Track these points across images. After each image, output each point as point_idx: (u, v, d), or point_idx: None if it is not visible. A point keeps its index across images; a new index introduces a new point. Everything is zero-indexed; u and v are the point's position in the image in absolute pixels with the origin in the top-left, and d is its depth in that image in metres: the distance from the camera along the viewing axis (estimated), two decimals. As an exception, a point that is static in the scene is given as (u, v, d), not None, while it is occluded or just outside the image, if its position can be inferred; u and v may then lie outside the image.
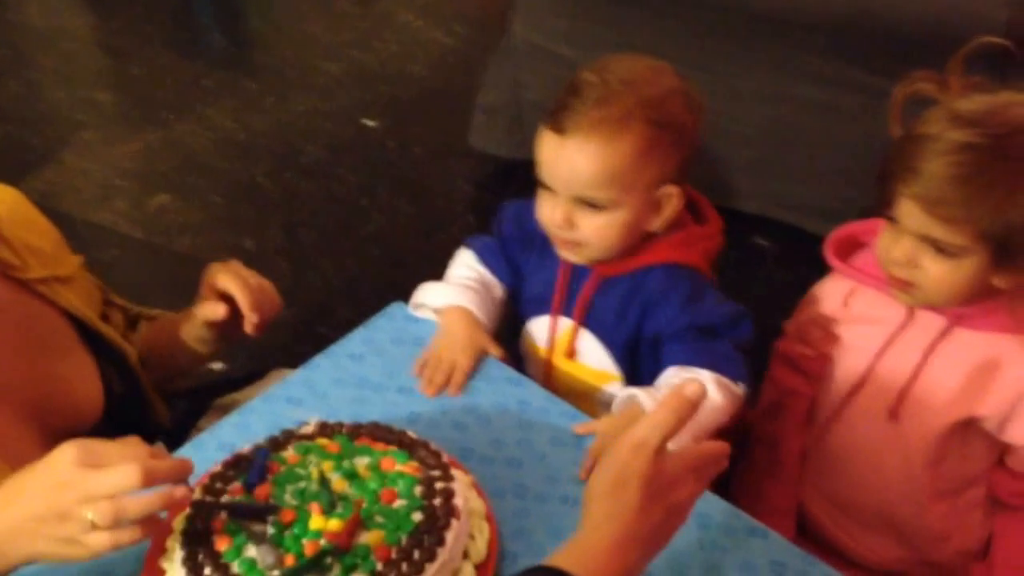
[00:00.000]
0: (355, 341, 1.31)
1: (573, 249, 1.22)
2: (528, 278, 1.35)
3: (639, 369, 1.30)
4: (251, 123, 3.06)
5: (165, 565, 0.97)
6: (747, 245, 2.49)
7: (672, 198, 1.20)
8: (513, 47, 2.61)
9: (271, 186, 2.83)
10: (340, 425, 1.06)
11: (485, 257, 1.36)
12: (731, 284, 1.31)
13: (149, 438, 1.13)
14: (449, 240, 2.66)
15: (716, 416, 1.16)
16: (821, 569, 1.02)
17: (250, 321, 1.24)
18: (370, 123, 3.07)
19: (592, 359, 1.30)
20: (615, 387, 1.30)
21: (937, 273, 1.12)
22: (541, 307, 1.33)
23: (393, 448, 1.03)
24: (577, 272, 1.28)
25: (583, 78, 1.15)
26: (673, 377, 1.19)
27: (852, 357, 1.28)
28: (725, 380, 1.19)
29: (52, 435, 1.14)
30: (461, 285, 1.33)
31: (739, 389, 1.20)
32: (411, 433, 1.06)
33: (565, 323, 1.31)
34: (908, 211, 1.10)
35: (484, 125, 2.74)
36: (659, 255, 1.23)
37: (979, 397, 1.18)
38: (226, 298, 1.26)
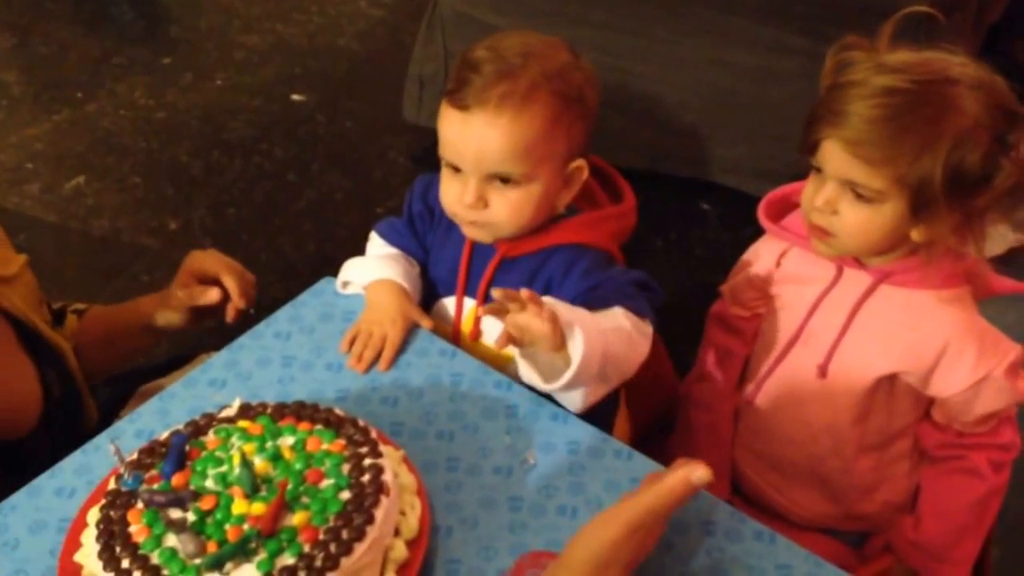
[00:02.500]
0: (281, 319, 1.27)
1: (482, 228, 1.19)
2: (433, 257, 1.32)
3: None
4: (169, 100, 2.97)
5: (81, 560, 0.93)
6: (689, 210, 2.48)
7: (581, 171, 1.19)
8: (440, 16, 2.56)
9: (194, 164, 2.74)
10: (263, 406, 1.02)
11: (391, 238, 1.33)
12: (674, 248, 1.30)
13: (81, 439, 1.10)
14: (386, 214, 2.62)
15: (624, 341, 1.11)
16: (751, 526, 1.01)
17: (236, 307, 1.34)
18: (298, 98, 2.99)
19: (495, 339, 1.27)
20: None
21: (855, 219, 1.13)
22: (446, 288, 1.30)
23: (319, 427, 1.00)
24: (481, 252, 1.25)
25: (478, 55, 1.13)
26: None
27: (784, 316, 1.28)
28: (630, 313, 1.14)
29: None
30: (386, 257, 1.30)
31: (646, 326, 1.16)
32: (338, 410, 1.03)
33: (470, 304, 1.28)
34: (831, 154, 1.12)
35: (417, 97, 2.69)
36: (565, 235, 1.21)
37: (902, 353, 1.19)
38: (209, 284, 1.35)
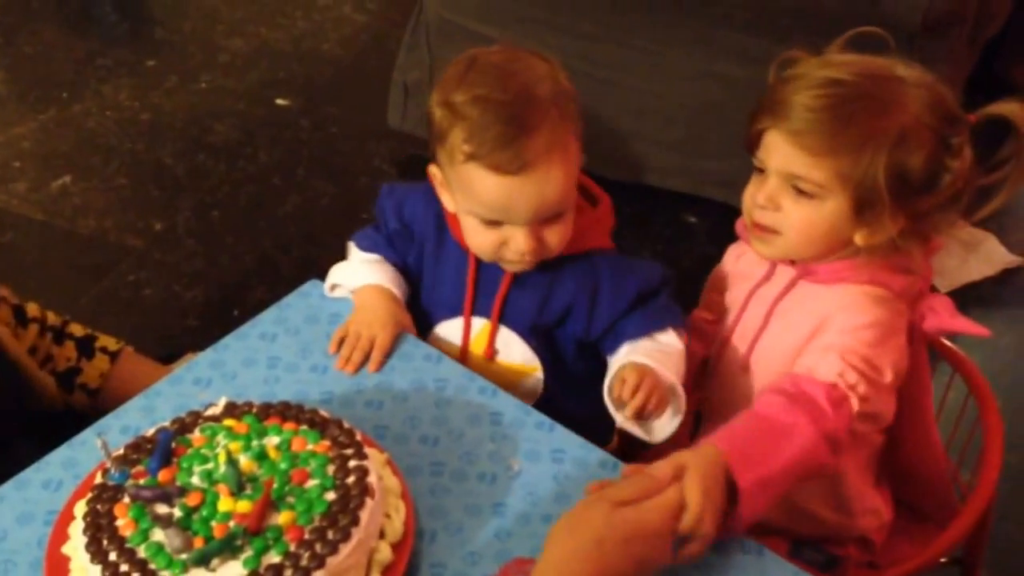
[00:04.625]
0: (267, 321, 1.28)
1: (532, 263, 1.19)
2: (427, 278, 1.31)
3: (560, 354, 1.28)
4: (153, 102, 2.96)
5: (69, 552, 0.94)
6: (677, 222, 2.50)
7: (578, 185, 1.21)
8: (425, 23, 2.57)
9: (179, 166, 2.74)
10: (249, 405, 1.03)
11: (372, 250, 1.32)
12: (661, 260, 1.31)
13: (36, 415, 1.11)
14: (370, 219, 2.62)
15: (683, 364, 1.20)
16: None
17: None
18: (282, 102, 3.00)
19: (514, 355, 1.28)
20: (538, 376, 1.29)
21: (798, 216, 1.13)
22: (449, 309, 1.28)
23: (304, 427, 1.00)
24: (488, 270, 1.24)
25: (476, 112, 1.10)
26: (638, 347, 1.20)
27: (727, 315, 1.29)
28: (680, 329, 1.22)
29: None
30: (375, 263, 1.30)
31: (686, 335, 1.23)
32: (323, 412, 1.03)
33: (480, 323, 1.27)
34: (773, 146, 1.12)
35: (402, 104, 2.70)
36: (571, 244, 1.21)
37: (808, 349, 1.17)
38: None
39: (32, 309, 1.41)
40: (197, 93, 3.00)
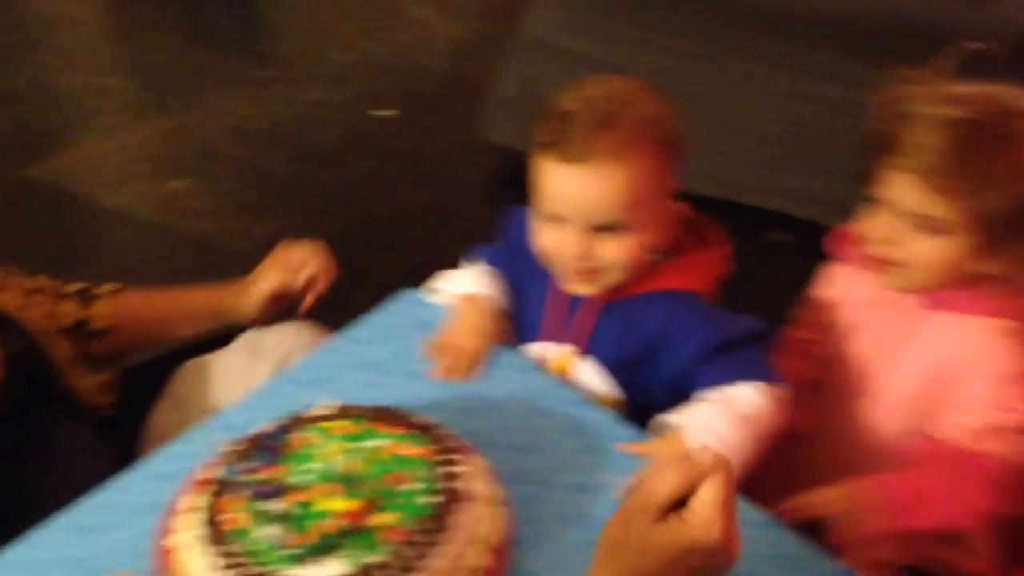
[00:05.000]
0: (365, 326, 1.31)
1: (590, 278, 1.18)
2: (523, 298, 1.31)
3: (644, 390, 1.26)
4: (264, 112, 3.07)
5: (177, 544, 0.98)
6: (763, 240, 2.49)
7: (674, 215, 1.20)
8: (525, 40, 2.61)
9: (285, 173, 2.83)
10: (354, 408, 1.06)
11: (491, 263, 1.34)
12: (748, 279, 1.30)
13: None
14: (463, 228, 2.66)
15: (769, 422, 1.14)
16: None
17: (317, 296, 1.44)
18: (383, 113, 3.07)
19: (595, 385, 1.26)
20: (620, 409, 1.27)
21: (924, 251, 1.11)
22: (537, 332, 1.29)
23: (407, 431, 1.03)
24: (577, 299, 1.24)
25: (572, 106, 1.12)
26: (709, 396, 1.16)
27: (835, 337, 1.27)
28: (765, 385, 1.16)
29: None
30: (483, 273, 1.32)
31: (780, 391, 1.17)
32: (425, 417, 1.06)
33: (559, 350, 1.27)
34: (897, 185, 1.10)
35: (499, 118, 2.74)
36: (663, 282, 1.20)
37: (938, 373, 1.16)
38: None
39: (30, 281, 1.43)
40: (303, 103, 3.10)
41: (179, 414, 1.36)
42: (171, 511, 1.01)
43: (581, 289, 1.20)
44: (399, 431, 1.03)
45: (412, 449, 1.01)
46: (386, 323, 1.31)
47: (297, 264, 1.44)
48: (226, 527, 0.92)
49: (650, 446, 1.13)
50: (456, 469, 0.99)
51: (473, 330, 1.26)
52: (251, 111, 3.08)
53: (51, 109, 3.06)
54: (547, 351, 1.28)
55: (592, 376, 1.26)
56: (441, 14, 3.55)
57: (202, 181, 2.79)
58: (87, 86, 3.20)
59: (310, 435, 1.03)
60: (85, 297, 1.44)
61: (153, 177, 2.81)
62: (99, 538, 1.04)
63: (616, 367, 1.25)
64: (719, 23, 2.39)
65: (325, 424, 1.04)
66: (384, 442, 1.02)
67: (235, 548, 0.91)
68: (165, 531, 1.00)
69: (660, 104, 1.16)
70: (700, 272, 1.23)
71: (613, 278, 1.18)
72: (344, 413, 1.05)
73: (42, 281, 1.43)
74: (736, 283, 1.27)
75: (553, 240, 1.17)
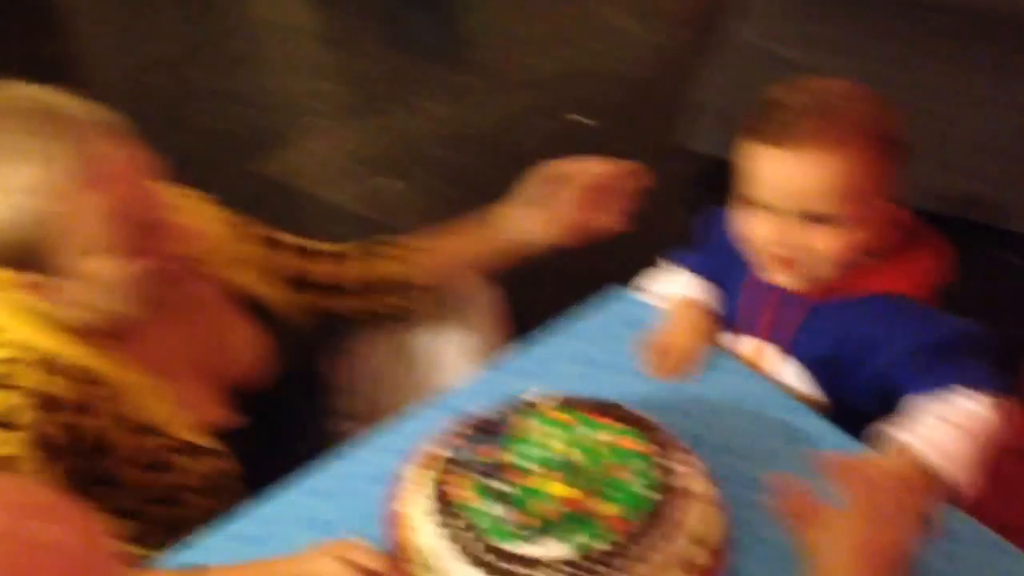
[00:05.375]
0: (583, 322, 1.33)
1: (790, 269, 1.16)
2: (729, 296, 1.30)
3: (847, 392, 1.23)
4: (463, 115, 3.16)
5: (408, 512, 1.02)
6: (988, 257, 2.37)
7: (890, 217, 1.16)
8: (734, 47, 2.57)
9: (481, 174, 2.90)
10: (577, 399, 1.08)
11: (693, 266, 1.33)
12: (975, 296, 1.24)
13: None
14: (659, 232, 2.65)
15: (992, 433, 1.09)
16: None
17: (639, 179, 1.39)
18: (579, 119, 3.10)
19: (794, 386, 1.24)
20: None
21: None
22: (742, 329, 1.28)
23: (630, 427, 1.04)
24: (784, 297, 1.22)
25: (793, 96, 1.12)
26: (930, 407, 1.11)
27: None
28: (986, 395, 1.10)
29: (227, 390, 1.30)
30: (694, 274, 1.32)
31: (1004, 400, 1.12)
32: (647, 414, 1.06)
33: (766, 347, 1.26)
34: None
35: (696, 124, 2.72)
36: (875, 284, 1.17)
37: None
38: None
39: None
40: (502, 108, 3.17)
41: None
42: (400, 483, 1.06)
43: (781, 279, 1.18)
44: (618, 425, 1.04)
45: (631, 443, 1.02)
46: (599, 320, 1.33)
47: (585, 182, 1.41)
48: (458, 503, 0.95)
49: (871, 462, 1.09)
50: (675, 467, 0.99)
51: (689, 330, 1.25)
52: (451, 114, 3.17)
53: (270, 110, 3.25)
54: (748, 349, 1.27)
55: (793, 376, 1.24)
56: (640, 22, 3.55)
57: (406, 179, 2.90)
58: (301, 89, 3.38)
59: (531, 421, 1.05)
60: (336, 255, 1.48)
61: (361, 174, 2.94)
62: (334, 503, 1.11)
63: (819, 368, 1.23)
64: (946, 32, 2.29)
65: (546, 412, 1.06)
66: (603, 434, 1.03)
67: (461, 521, 0.94)
68: (395, 501, 1.04)
69: (881, 103, 1.14)
70: (915, 276, 1.19)
71: (818, 271, 1.15)
72: (566, 404, 1.07)
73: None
74: (963, 303, 1.22)
75: (757, 226, 1.15)
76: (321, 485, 1.13)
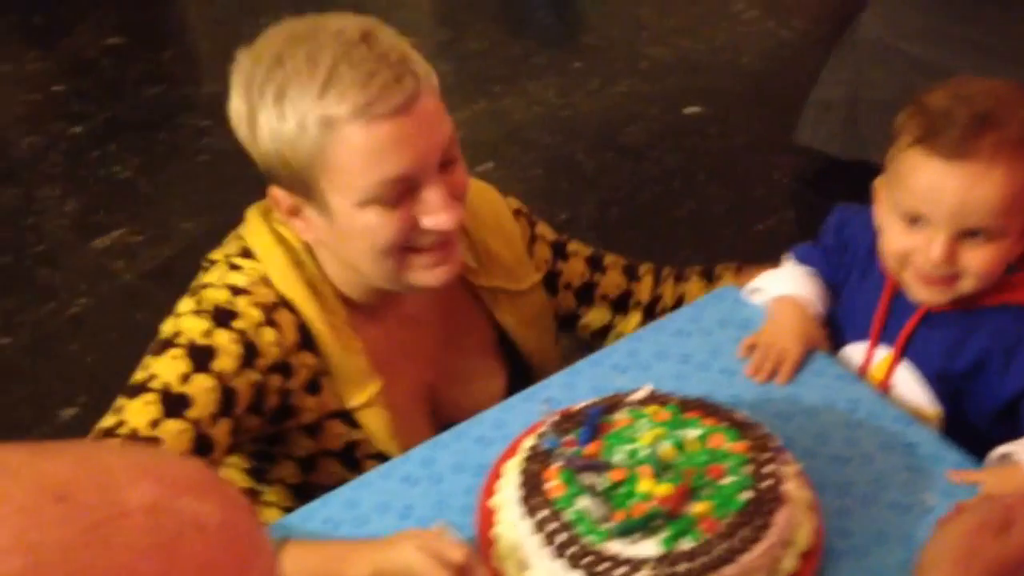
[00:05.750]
0: (681, 318, 1.32)
1: (945, 286, 1.11)
2: (845, 299, 1.28)
3: (966, 408, 1.19)
4: (575, 101, 3.15)
5: (498, 504, 1.03)
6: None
7: None
8: (858, 42, 2.51)
9: (589, 163, 2.90)
10: (671, 396, 1.07)
11: (809, 261, 1.30)
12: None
13: None
14: (764, 232, 2.64)
15: None
16: None
17: None
18: (693, 110, 3.06)
19: (908, 394, 1.21)
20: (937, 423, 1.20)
21: None
22: (857, 333, 1.25)
23: (724, 425, 1.03)
24: (902, 301, 1.18)
25: (948, 101, 1.07)
26: None
27: None
28: None
29: (438, 421, 1.25)
30: (803, 275, 1.29)
31: None
32: (741, 413, 1.06)
33: (881, 353, 1.22)
34: None
35: (815, 121, 2.66)
36: (1002, 295, 1.13)
37: None
38: None
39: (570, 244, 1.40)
40: (615, 96, 3.15)
41: None
42: (494, 474, 1.07)
43: (931, 297, 1.14)
44: (713, 423, 1.03)
45: (727, 443, 1.01)
46: (704, 317, 1.31)
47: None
48: (550, 494, 0.96)
49: (984, 476, 1.07)
50: (772, 469, 0.98)
51: (792, 332, 1.23)
52: (561, 100, 3.17)
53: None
54: (862, 354, 1.24)
55: (911, 385, 1.21)
56: (762, 11, 3.48)
57: (510, 165, 2.91)
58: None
59: (626, 417, 1.05)
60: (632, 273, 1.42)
61: (465, 159, 2.97)
62: (423, 490, 1.11)
63: (938, 379, 1.19)
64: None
65: (641, 408, 1.06)
66: (698, 432, 1.03)
67: (554, 516, 0.95)
68: (488, 492, 1.05)
69: None
70: None
71: (969, 287, 1.12)
72: (655, 399, 1.07)
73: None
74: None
75: (911, 242, 1.11)
76: (410, 471, 1.14)
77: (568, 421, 1.05)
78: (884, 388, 1.23)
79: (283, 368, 1.13)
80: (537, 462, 1.00)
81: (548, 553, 0.92)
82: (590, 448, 1.01)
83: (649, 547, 0.91)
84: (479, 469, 1.11)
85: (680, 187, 2.78)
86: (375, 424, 1.18)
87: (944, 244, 1.08)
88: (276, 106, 1.04)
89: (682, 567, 0.89)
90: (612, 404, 1.07)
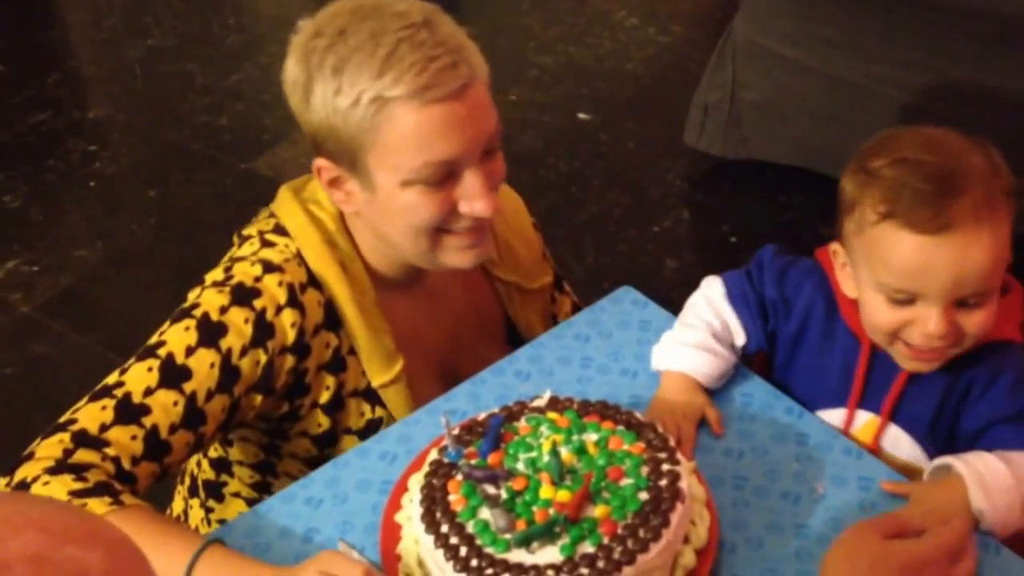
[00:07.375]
0: (580, 322, 1.34)
1: (940, 356, 1.08)
2: (804, 357, 1.21)
3: (946, 444, 1.16)
4: (470, 113, 3.16)
5: (401, 520, 1.04)
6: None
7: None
8: (734, 46, 2.58)
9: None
10: (570, 401, 1.09)
11: (737, 305, 1.22)
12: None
13: None
14: (661, 233, 2.69)
15: None
16: None
17: None
18: (584, 116, 3.11)
19: (903, 453, 1.17)
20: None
21: None
22: (831, 397, 1.19)
23: (621, 427, 1.05)
24: (882, 361, 1.14)
25: (897, 171, 1.02)
26: (1006, 454, 1.06)
27: None
28: None
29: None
30: (693, 346, 1.20)
31: None
32: (638, 414, 1.08)
33: (864, 417, 1.18)
34: None
35: (700, 123, 2.73)
36: (992, 334, 1.09)
37: None
38: None
39: None
40: (507, 105, 3.17)
41: None
42: (397, 489, 1.07)
43: (924, 367, 1.10)
44: (611, 426, 1.05)
45: (625, 444, 1.03)
46: (603, 320, 1.33)
47: None
48: (453, 507, 0.97)
49: (913, 487, 1.08)
50: (667, 467, 1.00)
51: (680, 411, 1.17)
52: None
53: (271, 106, 3.24)
54: (840, 419, 1.19)
55: (902, 445, 1.18)
56: (643, 19, 3.56)
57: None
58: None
59: (528, 425, 1.06)
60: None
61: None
62: (327, 511, 1.11)
63: (930, 438, 1.16)
64: (939, 29, 2.28)
65: (540, 415, 1.07)
66: (597, 436, 1.04)
67: (456, 528, 0.95)
68: (394, 507, 1.05)
69: (985, 149, 1.05)
70: (1008, 317, 1.11)
71: (963, 348, 1.08)
72: (554, 405, 1.08)
73: None
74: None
75: (901, 317, 1.05)
76: (314, 494, 1.13)
77: (470, 432, 1.06)
78: (874, 450, 1.18)
79: (299, 349, 1.15)
80: (440, 476, 1.01)
81: (452, 567, 0.92)
82: (493, 458, 1.02)
83: (551, 554, 0.93)
84: (385, 486, 1.11)
85: (578, 193, 2.82)
86: (396, 401, 1.22)
87: (941, 317, 1.03)
88: (334, 78, 1.07)
89: (584, 571, 0.90)
90: (512, 413, 1.08)
